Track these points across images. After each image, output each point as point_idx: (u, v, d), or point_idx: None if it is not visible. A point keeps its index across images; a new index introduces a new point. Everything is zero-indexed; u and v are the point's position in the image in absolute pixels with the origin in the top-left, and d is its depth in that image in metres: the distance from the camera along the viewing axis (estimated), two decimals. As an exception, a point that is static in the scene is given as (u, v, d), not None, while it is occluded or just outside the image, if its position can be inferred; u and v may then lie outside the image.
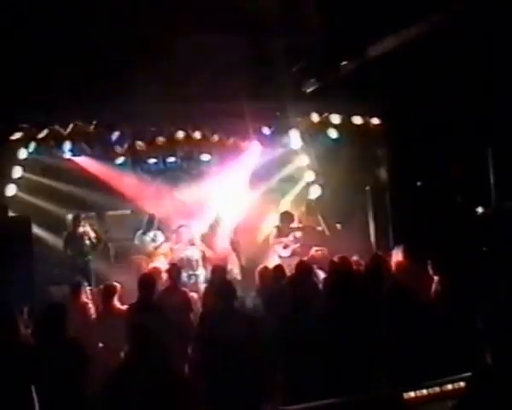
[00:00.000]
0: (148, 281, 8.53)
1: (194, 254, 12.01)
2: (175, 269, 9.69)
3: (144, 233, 12.59)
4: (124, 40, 9.90)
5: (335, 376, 6.37)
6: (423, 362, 6.50)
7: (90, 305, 8.82)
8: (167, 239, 12.48)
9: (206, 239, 12.56)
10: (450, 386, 5.19)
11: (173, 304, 8.68)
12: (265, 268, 9.38)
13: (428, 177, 12.73)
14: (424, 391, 5.21)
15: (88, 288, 9.25)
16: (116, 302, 8.57)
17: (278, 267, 9.29)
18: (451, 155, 11.98)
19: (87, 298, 8.99)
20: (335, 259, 9.22)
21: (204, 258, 12.11)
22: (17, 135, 11.20)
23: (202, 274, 11.57)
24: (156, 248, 12.26)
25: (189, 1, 9.07)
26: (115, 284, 8.94)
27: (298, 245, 12.41)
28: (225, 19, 9.54)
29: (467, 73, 10.65)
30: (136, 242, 12.59)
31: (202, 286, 10.84)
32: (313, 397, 5.77)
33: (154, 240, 12.42)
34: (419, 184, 13.07)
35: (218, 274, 9.48)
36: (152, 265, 11.24)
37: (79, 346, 6.43)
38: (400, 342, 6.92)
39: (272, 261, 11.80)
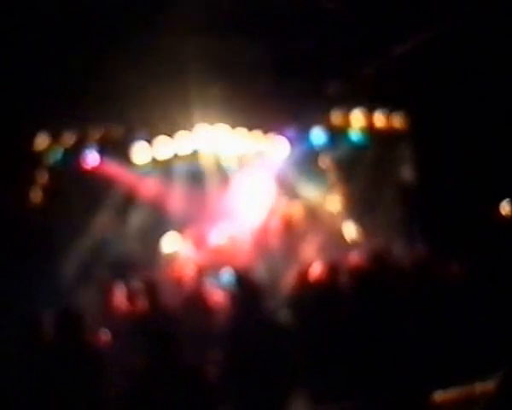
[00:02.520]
0: (152, 285, 8.53)
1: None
2: (198, 272, 9.71)
3: (175, 242, 12.32)
4: (148, 45, 9.95)
5: (362, 376, 6.35)
6: (452, 362, 6.46)
7: (127, 305, 8.82)
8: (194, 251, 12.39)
9: (217, 246, 12.57)
10: (479, 387, 5.15)
11: (197, 307, 8.70)
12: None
13: (454, 176, 12.64)
14: (453, 392, 5.18)
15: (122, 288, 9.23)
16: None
17: (303, 270, 9.26)
18: (477, 153, 11.89)
19: (123, 298, 8.98)
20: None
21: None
22: (43, 141, 11.28)
23: (229, 277, 11.56)
24: (188, 258, 12.12)
25: (212, 4, 9.09)
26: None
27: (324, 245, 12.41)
28: (248, 21, 9.55)
29: (492, 71, 10.58)
30: (167, 251, 12.26)
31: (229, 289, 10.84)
32: (340, 398, 5.78)
33: (183, 251, 12.28)
34: (445, 183, 12.98)
35: (242, 278, 9.48)
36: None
37: (97, 351, 6.44)
38: (428, 343, 6.88)
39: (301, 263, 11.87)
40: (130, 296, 8.73)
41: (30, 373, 6.22)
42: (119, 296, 9.05)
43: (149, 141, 12.21)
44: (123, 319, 8.55)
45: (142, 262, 12.30)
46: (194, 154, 13.11)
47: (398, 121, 12.88)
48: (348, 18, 9.83)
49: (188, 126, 12.20)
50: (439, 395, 5.16)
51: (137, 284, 9.53)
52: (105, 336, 8.17)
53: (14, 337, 6.83)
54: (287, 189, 13.82)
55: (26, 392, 6.13)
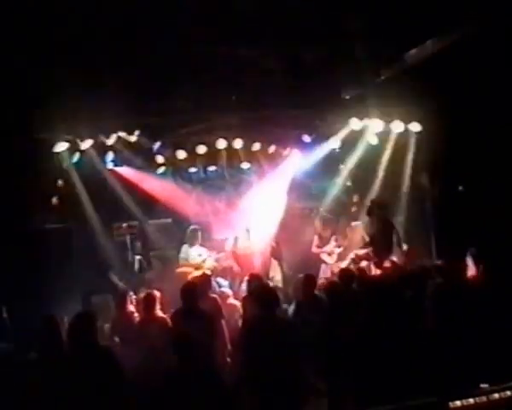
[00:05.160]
0: (190, 289, 8.54)
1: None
2: (205, 278, 9.75)
3: (190, 247, 12.42)
4: (165, 53, 9.98)
5: (377, 385, 6.31)
6: (470, 369, 6.41)
7: (136, 314, 8.83)
8: (210, 255, 12.47)
9: (234, 253, 12.66)
10: (497, 395, 5.10)
11: (204, 311, 8.71)
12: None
13: (470, 181, 12.59)
14: (471, 400, 5.13)
15: (133, 296, 9.25)
16: (158, 311, 8.59)
17: (308, 276, 9.22)
18: (493, 159, 11.83)
19: (133, 307, 9.00)
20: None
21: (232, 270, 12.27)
22: (61, 146, 11.35)
23: (244, 282, 11.60)
24: (204, 261, 12.22)
25: (230, 13, 9.11)
26: (155, 292, 8.98)
27: (341, 249, 12.45)
28: (265, 29, 9.57)
29: (507, 78, 10.54)
30: (182, 255, 12.36)
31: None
32: (354, 406, 5.76)
33: (200, 255, 12.33)
34: (461, 188, 12.94)
35: (255, 283, 9.48)
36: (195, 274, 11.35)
37: (109, 354, 6.44)
38: (445, 350, 6.83)
39: (318, 268, 11.91)
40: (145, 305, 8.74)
41: (47, 375, 6.26)
42: (132, 304, 9.09)
43: (167, 146, 12.28)
44: (134, 326, 8.57)
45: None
46: (212, 160, 13.18)
47: (414, 128, 12.86)
48: (364, 25, 9.84)
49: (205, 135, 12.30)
50: (458, 404, 5.10)
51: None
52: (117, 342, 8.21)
53: (32, 339, 6.89)
54: (304, 195, 13.88)
55: (43, 394, 6.17)
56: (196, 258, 12.13)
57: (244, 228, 12.93)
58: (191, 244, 12.37)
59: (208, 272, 11.01)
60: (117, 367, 6.27)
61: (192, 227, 12.58)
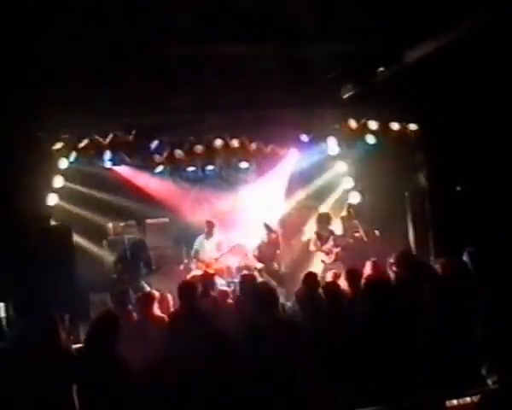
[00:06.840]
0: (188, 288, 8.53)
1: (235, 262, 12.18)
2: (207, 277, 9.76)
3: (207, 239, 12.66)
4: (163, 52, 10.00)
5: (375, 384, 6.32)
6: (467, 368, 6.42)
7: (134, 314, 8.82)
8: (230, 249, 12.64)
9: (261, 252, 12.71)
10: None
11: (204, 310, 8.71)
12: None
13: (468, 181, 12.60)
14: (467, 399, 5.14)
15: (132, 295, 9.24)
16: (155, 310, 8.57)
17: (310, 275, 9.22)
18: (493, 159, 11.85)
19: (131, 306, 8.99)
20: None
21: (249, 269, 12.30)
22: (58, 145, 11.35)
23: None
24: (217, 259, 12.35)
25: (227, 12, 9.12)
26: (154, 291, 8.96)
27: (339, 249, 12.46)
28: (263, 28, 9.58)
29: (505, 77, 10.56)
30: (196, 246, 12.61)
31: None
32: (352, 406, 5.76)
33: (212, 250, 12.51)
34: (458, 188, 12.95)
35: (249, 283, 9.46)
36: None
37: (122, 363, 6.41)
38: (442, 348, 6.83)
39: (314, 267, 11.92)
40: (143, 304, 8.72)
41: (46, 375, 6.26)
42: (131, 303, 9.07)
43: (164, 145, 12.28)
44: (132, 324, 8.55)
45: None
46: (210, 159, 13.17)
47: (412, 128, 12.88)
48: (362, 25, 9.84)
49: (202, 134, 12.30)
50: (454, 403, 5.11)
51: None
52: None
53: (31, 338, 6.89)
54: (302, 194, 13.90)
55: (41, 393, 6.18)
56: (211, 251, 12.37)
57: (242, 228, 13.01)
58: (208, 236, 12.59)
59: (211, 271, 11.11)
60: (124, 379, 6.26)
61: (206, 219, 12.80)
